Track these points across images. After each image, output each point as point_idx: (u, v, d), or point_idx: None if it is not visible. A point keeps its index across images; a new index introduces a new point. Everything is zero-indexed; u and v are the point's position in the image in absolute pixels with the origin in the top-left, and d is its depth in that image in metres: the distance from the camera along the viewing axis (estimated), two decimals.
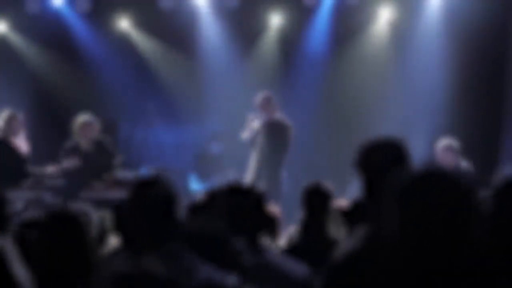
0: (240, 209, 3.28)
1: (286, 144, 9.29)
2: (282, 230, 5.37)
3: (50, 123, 10.91)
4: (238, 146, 9.75)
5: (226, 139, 10.82)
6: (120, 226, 3.91)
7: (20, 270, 2.44)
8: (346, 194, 9.54)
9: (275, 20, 11.21)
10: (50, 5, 11.21)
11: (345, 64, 11.03)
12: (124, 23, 11.41)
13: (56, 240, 2.73)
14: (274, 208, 5.35)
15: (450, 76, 10.31)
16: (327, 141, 10.87)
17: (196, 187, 10.69)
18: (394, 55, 10.87)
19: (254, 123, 9.31)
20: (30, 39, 11.40)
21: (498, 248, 2.07)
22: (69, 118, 9.00)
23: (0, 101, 9.59)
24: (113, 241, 4.04)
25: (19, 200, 7.73)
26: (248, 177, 9.37)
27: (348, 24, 10.93)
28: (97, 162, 8.66)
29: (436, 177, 1.99)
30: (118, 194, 7.86)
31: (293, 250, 4.44)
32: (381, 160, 2.91)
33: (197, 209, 3.86)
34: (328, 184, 4.86)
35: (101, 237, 4.01)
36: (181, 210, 2.95)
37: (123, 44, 11.43)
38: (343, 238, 3.38)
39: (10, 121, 8.57)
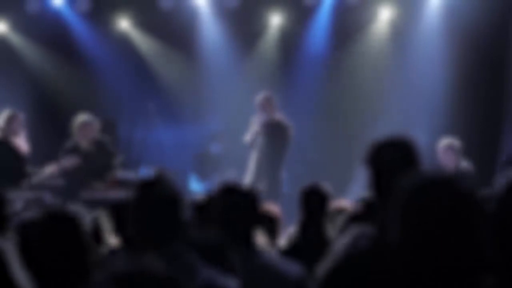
0: (235, 209, 3.28)
1: (286, 144, 9.29)
2: (282, 230, 5.37)
3: (50, 123, 10.91)
4: (238, 146, 9.75)
5: (226, 139, 10.82)
6: (121, 226, 3.91)
7: (20, 272, 2.44)
8: (349, 192, 9.54)
9: (275, 20, 11.21)
10: (50, 5, 11.21)
11: (345, 64, 11.02)
12: (124, 23, 11.41)
13: (52, 240, 2.73)
14: (274, 208, 5.35)
15: (450, 76, 10.31)
16: (327, 141, 10.87)
17: (196, 187, 10.68)
18: (394, 54, 10.86)
19: (255, 124, 9.32)
20: (30, 39, 11.39)
21: (501, 253, 2.07)
22: (69, 118, 8.99)
23: (0, 101, 9.58)
24: (113, 241, 4.04)
25: (19, 200, 7.73)
26: (248, 177, 9.37)
27: (348, 24, 10.92)
28: (97, 162, 8.66)
29: (439, 185, 1.98)
30: (118, 194, 7.86)
31: (291, 250, 4.44)
32: (391, 159, 2.90)
33: (199, 209, 3.86)
34: (326, 185, 4.86)
35: (96, 238, 4.00)
36: (185, 210, 2.94)
37: (123, 44, 11.42)
38: (338, 237, 3.38)
39: (10, 121, 8.56)
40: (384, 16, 10.92)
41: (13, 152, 8.52)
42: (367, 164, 2.94)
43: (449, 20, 10.46)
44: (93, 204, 7.02)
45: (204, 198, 4.08)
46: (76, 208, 2.83)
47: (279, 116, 9.34)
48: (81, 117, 8.79)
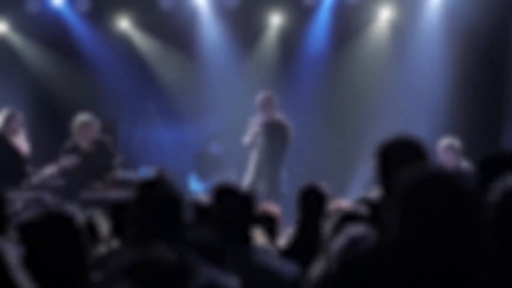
0: (230, 209, 3.28)
1: (285, 144, 9.29)
2: (282, 230, 5.37)
3: (50, 123, 10.91)
4: (238, 146, 9.75)
5: (226, 139, 10.81)
6: (121, 226, 3.91)
7: (20, 273, 2.43)
8: (349, 192, 9.54)
9: (275, 20, 11.21)
10: (50, 5, 11.21)
11: (345, 64, 11.02)
12: (124, 23, 11.41)
13: (51, 240, 2.72)
14: (274, 208, 5.35)
15: (450, 76, 10.31)
16: (327, 141, 10.87)
17: (196, 187, 10.68)
18: (394, 55, 10.86)
19: (254, 125, 9.31)
20: (30, 39, 11.39)
21: (500, 253, 2.06)
22: (69, 118, 8.99)
23: (0, 101, 9.58)
24: (108, 240, 4.04)
25: (19, 200, 7.72)
26: (247, 177, 9.37)
27: (348, 24, 10.92)
28: (97, 162, 8.66)
29: (438, 182, 1.97)
30: (118, 194, 7.85)
31: (289, 250, 4.44)
32: (400, 158, 2.89)
33: (198, 210, 3.86)
34: (324, 185, 4.85)
35: (90, 237, 4.00)
36: (185, 211, 2.94)
37: (123, 44, 11.42)
38: (330, 236, 3.37)
39: (9, 121, 8.56)
40: (384, 16, 10.91)
41: (12, 151, 8.52)
42: (375, 164, 2.94)
43: (449, 20, 10.46)
44: (93, 204, 7.02)
45: (203, 199, 4.08)
46: (70, 208, 2.82)
47: (279, 116, 9.33)
48: (81, 117, 8.78)
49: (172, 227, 2.83)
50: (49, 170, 8.58)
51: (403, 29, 10.77)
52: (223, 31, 11.21)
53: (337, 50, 11.04)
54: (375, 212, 3.69)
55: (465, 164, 8.27)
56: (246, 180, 9.31)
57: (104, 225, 4.00)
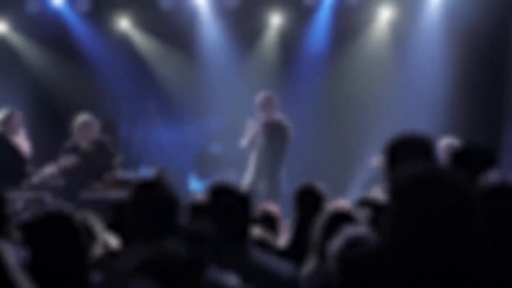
0: (227, 208, 3.28)
1: (285, 144, 9.29)
2: (282, 229, 5.37)
3: (50, 123, 10.91)
4: (238, 146, 9.75)
5: (226, 139, 10.81)
6: (120, 226, 3.91)
7: (20, 274, 2.44)
8: (349, 192, 9.54)
9: (275, 20, 11.21)
10: (50, 5, 11.21)
11: (345, 64, 11.02)
12: (124, 23, 11.41)
13: (51, 240, 2.73)
14: (274, 208, 5.36)
15: (450, 76, 10.31)
16: (327, 141, 10.87)
17: (196, 187, 10.68)
18: (394, 55, 10.86)
19: (252, 127, 9.31)
20: (30, 39, 11.40)
21: (495, 254, 2.06)
22: (69, 118, 9.00)
23: (0, 101, 9.58)
24: (104, 240, 4.04)
25: (19, 200, 7.73)
26: (247, 177, 9.37)
27: (348, 24, 10.92)
28: (97, 162, 8.66)
29: (439, 181, 1.96)
30: (118, 194, 7.85)
31: (286, 250, 4.44)
32: (409, 156, 2.88)
33: (196, 210, 3.86)
34: (321, 185, 4.85)
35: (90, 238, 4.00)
36: (182, 211, 2.95)
37: (123, 44, 11.43)
38: (321, 236, 3.38)
39: (8, 120, 8.56)
40: (384, 16, 10.91)
41: (12, 151, 8.52)
42: (384, 162, 2.93)
43: (449, 20, 10.46)
44: (93, 204, 7.02)
45: (201, 200, 4.08)
46: (67, 208, 2.83)
47: (279, 116, 9.34)
48: (81, 117, 8.78)
49: (168, 227, 2.84)
50: (49, 170, 8.58)
51: (403, 29, 10.77)
52: (223, 31, 11.22)
53: (337, 50, 11.04)
54: (376, 213, 3.69)
55: None
56: (246, 180, 9.32)
57: (98, 227, 4.00)
